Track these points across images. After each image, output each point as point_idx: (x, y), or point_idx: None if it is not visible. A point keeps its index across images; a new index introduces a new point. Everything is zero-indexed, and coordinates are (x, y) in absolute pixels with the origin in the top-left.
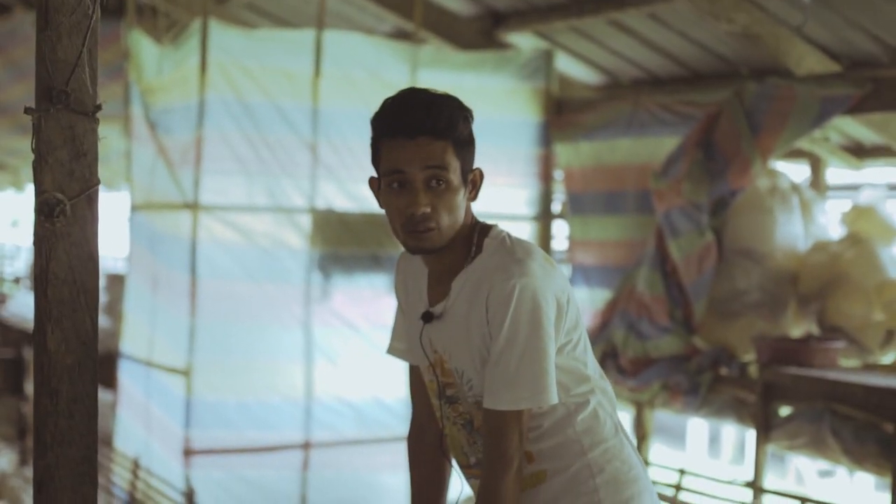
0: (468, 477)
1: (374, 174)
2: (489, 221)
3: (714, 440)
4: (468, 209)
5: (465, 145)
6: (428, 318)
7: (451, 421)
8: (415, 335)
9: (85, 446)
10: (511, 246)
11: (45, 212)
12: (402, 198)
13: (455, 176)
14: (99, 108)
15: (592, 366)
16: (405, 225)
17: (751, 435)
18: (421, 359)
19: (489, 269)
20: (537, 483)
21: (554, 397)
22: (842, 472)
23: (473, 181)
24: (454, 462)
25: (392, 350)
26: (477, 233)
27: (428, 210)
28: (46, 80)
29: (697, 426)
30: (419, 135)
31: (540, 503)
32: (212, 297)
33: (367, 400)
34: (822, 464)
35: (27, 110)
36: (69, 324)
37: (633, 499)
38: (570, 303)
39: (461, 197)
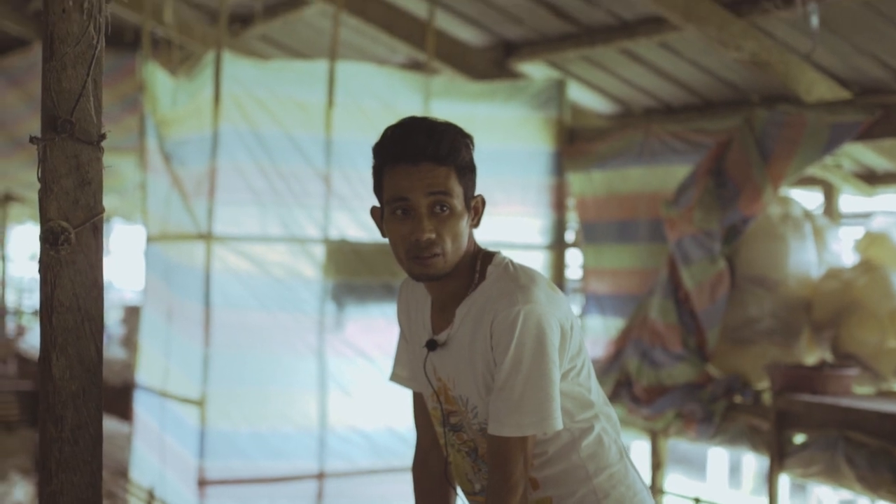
0: None
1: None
2: (494, 249)
3: (735, 470)
4: (471, 236)
5: (468, 171)
6: (432, 345)
7: (456, 448)
8: (418, 363)
9: (90, 473)
10: (514, 272)
11: (50, 240)
12: (406, 224)
13: (458, 202)
14: (103, 137)
15: (596, 391)
16: (409, 251)
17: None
18: (424, 386)
19: (493, 296)
20: None
21: (559, 423)
22: (864, 502)
23: (475, 208)
24: (459, 489)
25: (395, 377)
26: (480, 259)
27: (433, 236)
28: (51, 110)
29: (717, 456)
30: (422, 161)
31: None
32: (226, 326)
33: (381, 430)
34: (844, 493)
35: (32, 140)
36: (74, 351)
37: None
38: (574, 329)
39: (465, 223)
